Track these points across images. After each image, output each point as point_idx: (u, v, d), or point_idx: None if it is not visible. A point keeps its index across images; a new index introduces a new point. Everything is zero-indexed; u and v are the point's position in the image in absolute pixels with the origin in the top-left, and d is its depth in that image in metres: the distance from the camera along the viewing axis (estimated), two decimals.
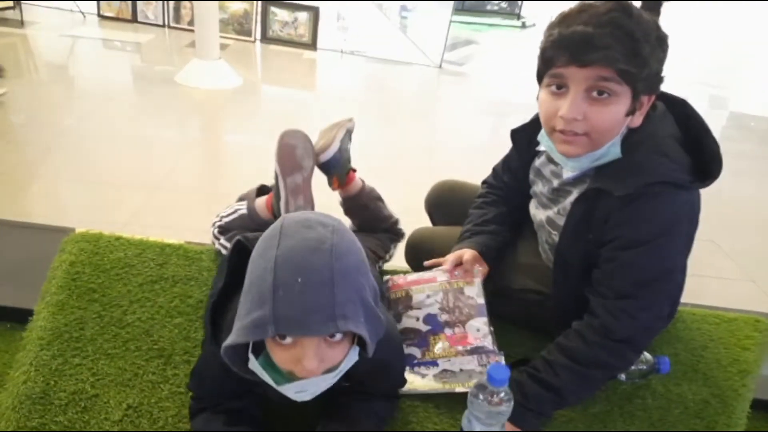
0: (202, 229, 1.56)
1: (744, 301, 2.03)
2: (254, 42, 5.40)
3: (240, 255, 0.88)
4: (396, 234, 1.54)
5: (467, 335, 1.20)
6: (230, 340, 0.75)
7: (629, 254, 1.03)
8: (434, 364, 1.17)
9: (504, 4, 7.61)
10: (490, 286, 1.32)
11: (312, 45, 5.40)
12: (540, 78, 1.05)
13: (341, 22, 5.95)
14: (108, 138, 3.26)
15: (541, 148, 1.19)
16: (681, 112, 1.09)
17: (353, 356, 0.82)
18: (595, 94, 0.97)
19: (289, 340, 0.76)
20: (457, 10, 6.42)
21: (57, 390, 1.08)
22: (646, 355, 1.22)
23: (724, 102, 5.00)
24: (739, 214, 3.13)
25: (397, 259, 1.55)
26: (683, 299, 1.30)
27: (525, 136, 1.23)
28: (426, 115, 4.39)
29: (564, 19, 0.97)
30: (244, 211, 1.36)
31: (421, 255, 1.50)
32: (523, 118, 1.26)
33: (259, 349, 0.82)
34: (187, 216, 2.45)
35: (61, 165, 2.89)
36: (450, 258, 1.30)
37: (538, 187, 1.25)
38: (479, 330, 1.21)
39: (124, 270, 1.37)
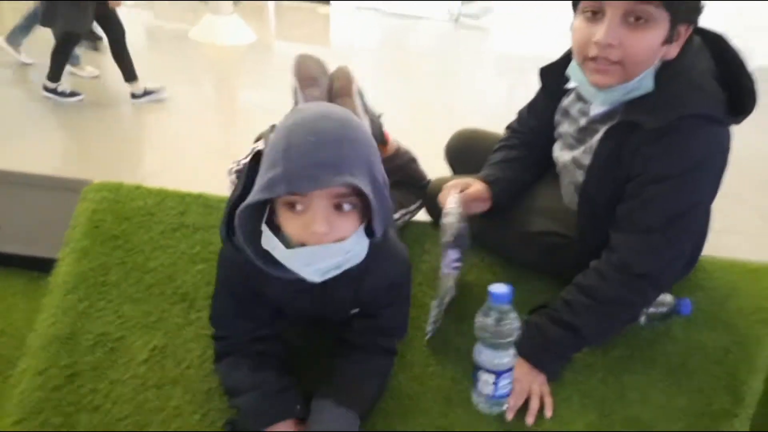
0: (219, 184, 1.56)
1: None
2: None
3: (258, 165, 0.88)
4: (424, 190, 1.53)
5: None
6: (246, 202, 0.78)
7: (656, 188, 1.01)
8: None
9: None
10: (505, 231, 1.30)
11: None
12: (575, 4, 1.01)
13: None
14: (124, 96, 3.25)
15: (571, 84, 1.16)
16: (717, 46, 1.05)
17: (362, 240, 0.84)
18: (632, 19, 0.94)
19: (300, 207, 0.78)
20: None
21: (84, 332, 1.10)
22: (667, 297, 1.20)
23: (751, 54, 4.82)
24: (763, 169, 3.06)
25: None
26: (704, 251, 1.28)
27: (554, 74, 1.19)
28: (442, 72, 4.31)
29: None
30: (262, 145, 1.36)
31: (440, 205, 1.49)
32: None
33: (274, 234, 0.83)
34: (204, 173, 2.45)
35: (77, 124, 2.90)
36: (456, 182, 1.25)
37: (564, 128, 1.22)
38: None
39: (146, 218, 1.38)
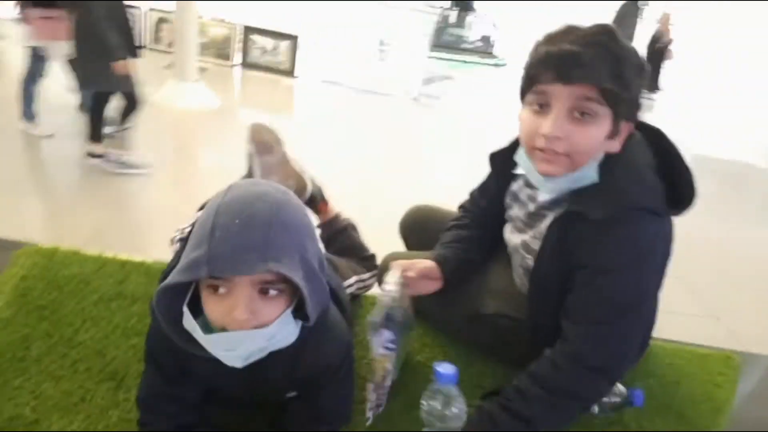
0: (166, 251, 1.50)
1: (709, 338, 2.05)
2: (232, 67, 5.40)
3: None
4: (372, 265, 1.51)
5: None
6: (165, 282, 0.75)
7: (603, 280, 1.02)
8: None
9: (479, 42, 7.84)
10: (457, 312, 1.28)
11: (291, 72, 5.43)
12: (523, 96, 1.05)
13: (321, 52, 6.03)
14: (78, 151, 3.16)
15: (519, 170, 1.18)
16: (656, 141, 1.10)
17: (289, 325, 0.81)
18: (577, 114, 0.97)
19: (222, 290, 0.75)
20: (434, 47, 6.58)
21: None
22: (620, 387, 1.19)
23: (686, 144, 5.18)
24: (701, 253, 3.20)
25: None
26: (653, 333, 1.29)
27: (503, 159, 1.22)
28: (401, 145, 4.42)
29: (550, 39, 0.99)
30: None
31: None
32: (498, 147, 1.26)
33: (198, 315, 0.80)
34: (152, 237, 2.37)
35: (23, 178, 2.79)
36: (401, 263, 1.22)
37: (514, 211, 1.23)
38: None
39: (80, 286, 1.30)
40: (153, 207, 2.75)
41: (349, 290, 1.36)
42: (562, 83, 0.96)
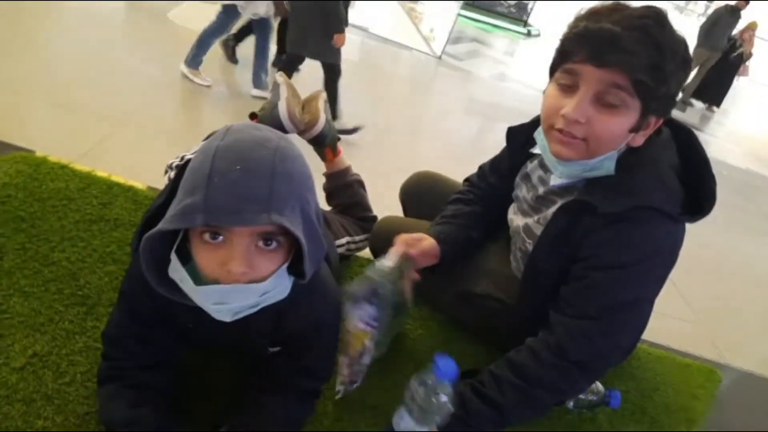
0: (161, 172, 1.45)
1: (693, 345, 2.03)
2: None
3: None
4: (369, 228, 1.46)
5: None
6: (155, 229, 0.68)
7: (601, 276, 0.97)
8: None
9: (513, 8, 7.55)
10: (448, 288, 1.24)
11: None
12: (553, 71, 0.97)
13: None
14: (82, 61, 3.06)
15: (536, 150, 1.12)
16: (685, 141, 1.03)
17: (284, 280, 0.76)
18: (604, 100, 0.90)
19: (219, 239, 0.69)
20: (467, 5, 6.33)
21: None
22: (598, 386, 1.17)
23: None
24: (699, 259, 3.16)
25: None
26: None
27: (521, 137, 1.16)
28: (416, 102, 4.30)
29: (593, 14, 0.90)
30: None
31: (385, 244, 1.42)
32: (510, 124, 1.18)
33: (185, 262, 0.74)
34: (151, 158, 2.29)
35: (27, 81, 2.70)
36: (403, 237, 1.16)
37: (522, 192, 1.17)
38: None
39: (63, 203, 1.25)
40: (153, 127, 2.67)
41: (339, 250, 1.32)
42: (594, 65, 0.88)
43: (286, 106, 1.32)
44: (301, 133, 1.38)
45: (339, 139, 1.46)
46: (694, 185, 0.99)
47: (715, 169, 1.01)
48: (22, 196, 1.22)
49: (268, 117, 1.33)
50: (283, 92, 1.35)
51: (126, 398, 0.84)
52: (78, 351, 0.98)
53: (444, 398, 0.89)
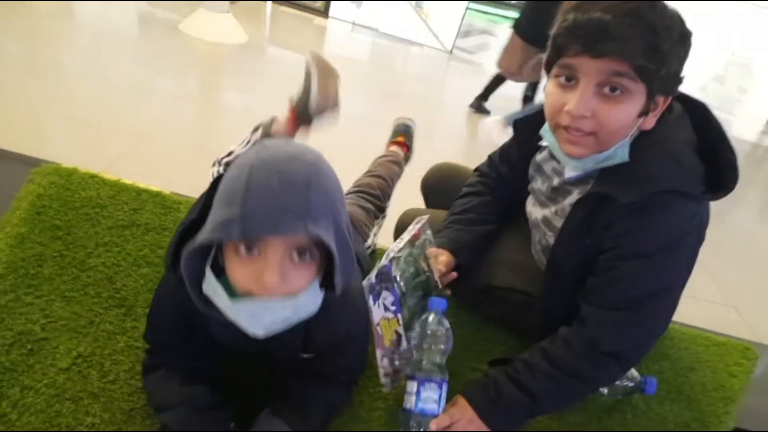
0: (184, 183, 1.48)
1: (725, 326, 2.00)
2: (265, 0, 5.24)
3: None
4: (380, 211, 1.47)
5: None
6: (194, 243, 0.69)
7: (629, 265, 0.95)
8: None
9: None
10: (470, 283, 1.23)
11: (324, 12, 5.26)
12: (549, 67, 0.95)
13: None
14: (101, 77, 3.12)
15: (544, 143, 1.11)
16: (700, 116, 1.00)
17: (316, 294, 0.76)
18: (606, 90, 0.88)
19: (254, 252, 0.70)
20: None
21: (3, 328, 0.99)
22: (633, 372, 1.16)
23: (728, 125, 4.98)
24: (729, 239, 3.11)
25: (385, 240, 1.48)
26: None
27: (529, 128, 1.14)
28: (430, 97, 4.30)
29: (581, 4, 0.88)
30: (259, 135, 1.32)
31: None
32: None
33: (217, 277, 0.75)
34: (170, 168, 2.35)
35: (49, 98, 2.76)
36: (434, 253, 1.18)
37: (537, 184, 1.17)
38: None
39: (95, 210, 1.28)
40: (172, 140, 2.72)
41: (369, 251, 1.34)
42: (589, 57, 0.86)
43: (317, 94, 1.32)
44: None
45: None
46: (713, 160, 0.96)
47: (738, 148, 0.98)
48: (56, 205, 1.25)
49: (303, 107, 1.36)
50: (314, 78, 1.34)
51: (176, 379, 0.88)
52: (120, 351, 1.01)
53: (447, 324, 0.98)
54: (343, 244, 0.72)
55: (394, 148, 1.75)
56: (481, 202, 1.28)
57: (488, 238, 1.27)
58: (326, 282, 0.77)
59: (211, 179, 1.31)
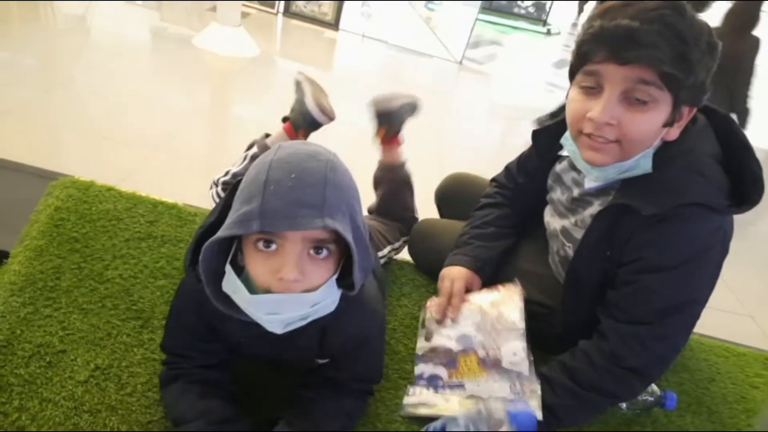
0: (197, 195, 1.49)
1: (745, 336, 1.97)
2: (276, 14, 5.30)
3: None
4: (408, 227, 1.48)
5: (501, 359, 1.06)
6: (214, 237, 0.71)
7: (651, 278, 0.94)
8: (461, 386, 1.05)
9: (531, 9, 7.52)
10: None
11: (334, 25, 5.30)
12: (573, 74, 0.95)
13: (365, 7, 5.87)
14: (115, 92, 3.17)
15: (564, 152, 1.10)
16: (723, 128, 0.99)
17: (334, 292, 0.77)
18: (632, 98, 0.87)
19: (273, 247, 0.72)
20: (484, 9, 6.34)
21: (22, 340, 1.00)
22: (653, 386, 1.15)
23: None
24: (746, 249, 3.07)
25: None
26: None
27: (548, 138, 1.13)
28: (440, 109, 4.31)
29: (607, 11, 0.87)
30: (255, 150, 1.33)
31: (424, 248, 1.43)
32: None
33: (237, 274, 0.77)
34: (184, 181, 2.37)
35: (63, 113, 2.81)
36: (442, 293, 1.19)
37: (557, 194, 1.16)
38: (516, 354, 1.06)
39: (112, 223, 1.29)
40: (185, 153, 2.74)
41: (382, 261, 1.34)
42: (616, 63, 0.85)
43: (312, 99, 1.35)
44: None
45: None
46: (737, 172, 0.95)
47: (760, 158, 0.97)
48: (74, 218, 1.27)
49: (299, 115, 1.37)
50: (307, 88, 1.39)
51: (194, 392, 0.88)
52: (137, 363, 1.01)
53: None
54: (360, 240, 0.74)
55: (395, 152, 1.55)
56: (501, 215, 1.27)
57: (507, 253, 1.27)
58: (343, 282, 0.78)
59: (211, 200, 1.34)
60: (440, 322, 1.15)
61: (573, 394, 0.96)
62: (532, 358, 1.06)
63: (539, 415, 0.96)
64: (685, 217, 0.91)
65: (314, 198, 0.68)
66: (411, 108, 1.49)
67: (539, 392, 1.00)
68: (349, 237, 0.70)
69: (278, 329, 0.77)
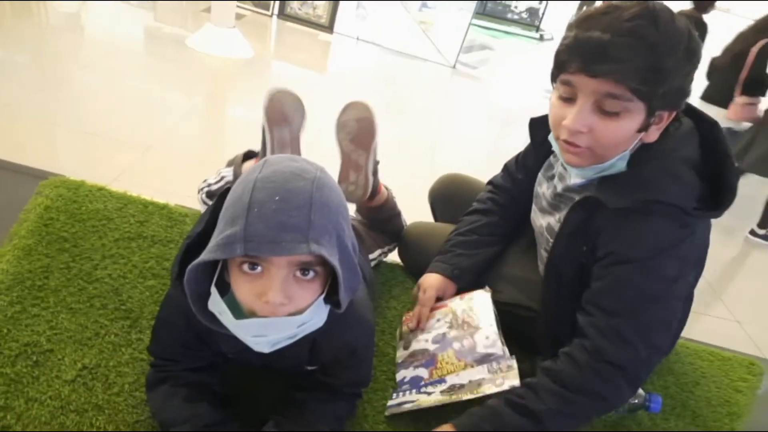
0: (189, 195, 1.49)
1: (729, 341, 1.99)
2: (271, 16, 5.31)
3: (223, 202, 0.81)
4: (396, 237, 1.48)
5: (475, 345, 1.11)
6: (197, 260, 0.70)
7: (620, 270, 0.95)
8: (442, 381, 1.08)
9: (525, 14, 7.57)
10: None
11: (329, 28, 5.31)
12: (553, 81, 0.97)
13: (360, 10, 5.88)
14: (108, 91, 3.16)
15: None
16: (709, 133, 1.01)
17: (321, 310, 0.77)
18: (603, 109, 0.89)
19: (258, 269, 0.70)
20: (478, 14, 6.37)
21: (9, 339, 1.00)
22: (639, 389, 1.15)
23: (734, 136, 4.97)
24: (734, 255, 3.10)
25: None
26: None
27: (543, 130, 1.13)
28: (433, 112, 4.32)
29: (585, 21, 0.89)
30: (230, 177, 1.28)
31: (414, 251, 1.44)
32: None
33: (223, 294, 0.76)
34: (176, 181, 2.36)
35: (55, 111, 2.79)
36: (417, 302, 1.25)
37: (542, 188, 1.18)
38: (488, 338, 1.11)
39: (102, 223, 1.29)
40: (178, 153, 2.74)
41: (372, 263, 1.34)
42: (586, 75, 0.87)
43: (272, 145, 1.25)
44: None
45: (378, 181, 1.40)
46: (714, 179, 0.97)
47: None
48: (63, 218, 1.27)
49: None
50: (269, 140, 1.26)
51: (181, 396, 0.87)
52: (125, 363, 1.02)
53: None
54: (348, 261, 0.73)
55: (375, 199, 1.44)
56: (488, 223, 1.28)
57: (492, 258, 1.28)
58: (331, 298, 0.77)
59: (199, 205, 1.32)
60: (413, 330, 1.19)
61: (559, 398, 0.94)
62: (501, 334, 1.11)
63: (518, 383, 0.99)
64: (650, 213, 0.93)
65: (299, 221, 0.67)
66: (374, 155, 1.38)
67: (515, 368, 1.02)
68: (335, 261, 0.69)
69: (265, 349, 0.76)
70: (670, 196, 0.92)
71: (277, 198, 0.67)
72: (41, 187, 1.35)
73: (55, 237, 1.22)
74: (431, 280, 1.24)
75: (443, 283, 1.23)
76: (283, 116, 1.24)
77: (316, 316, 0.76)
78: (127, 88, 3.25)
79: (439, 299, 1.23)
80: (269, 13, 5.29)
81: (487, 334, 1.11)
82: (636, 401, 1.14)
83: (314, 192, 0.69)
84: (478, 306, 1.17)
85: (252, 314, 0.73)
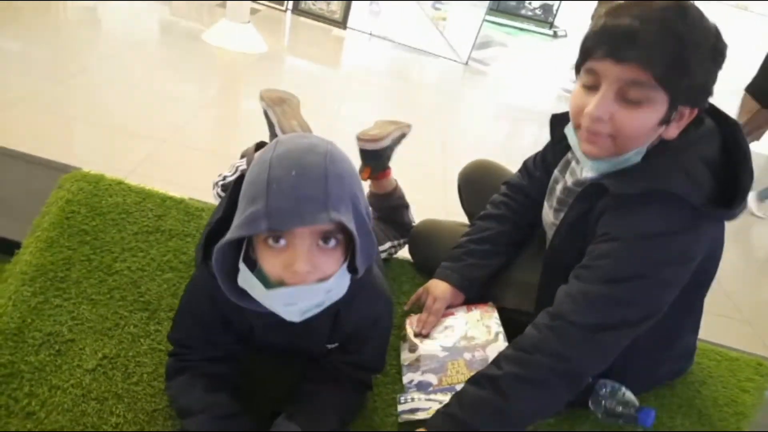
0: (205, 188, 1.52)
1: (737, 341, 1.99)
2: (285, 11, 5.33)
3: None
4: (407, 232, 1.51)
5: (488, 358, 1.10)
6: (224, 239, 0.74)
7: (606, 246, 0.94)
8: (452, 389, 1.07)
9: (539, 11, 7.52)
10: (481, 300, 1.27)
11: (342, 23, 5.32)
12: (578, 70, 0.97)
13: (374, 6, 5.89)
14: (125, 85, 3.21)
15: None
16: (730, 135, 0.99)
17: (344, 277, 0.80)
18: (626, 96, 0.89)
19: (282, 242, 0.74)
20: (491, 10, 6.35)
21: (32, 329, 1.03)
22: (631, 397, 1.13)
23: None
24: (743, 254, 3.08)
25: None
26: None
27: (563, 125, 1.10)
28: (445, 109, 4.33)
29: (615, 9, 0.90)
30: (244, 166, 1.32)
31: (424, 248, 1.46)
32: (541, 127, 1.19)
33: (251, 269, 0.80)
34: (191, 174, 2.41)
35: (73, 104, 2.85)
36: (424, 309, 1.26)
37: (557, 185, 1.17)
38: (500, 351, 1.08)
39: (121, 216, 1.33)
40: (193, 146, 2.78)
41: (383, 255, 1.37)
42: (612, 61, 0.88)
43: (283, 129, 1.38)
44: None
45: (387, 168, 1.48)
46: (730, 181, 0.96)
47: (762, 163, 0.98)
48: (84, 211, 1.30)
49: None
50: (274, 117, 1.41)
51: (199, 385, 0.90)
52: (143, 353, 1.05)
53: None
54: (364, 228, 0.76)
55: (376, 186, 1.52)
56: (501, 232, 1.28)
57: (501, 267, 1.29)
58: (349, 268, 0.81)
59: (214, 200, 1.37)
60: (418, 335, 1.21)
61: (515, 361, 0.92)
62: None
63: None
64: (652, 200, 0.92)
65: (317, 192, 0.70)
66: (400, 139, 1.49)
67: None
68: (352, 227, 0.72)
69: (296, 318, 0.80)
70: (674, 187, 0.91)
71: (293, 173, 0.71)
72: (62, 181, 1.38)
73: (76, 230, 1.25)
74: (441, 290, 1.25)
75: (452, 294, 1.25)
76: (279, 98, 1.41)
77: (341, 282, 0.80)
78: (143, 81, 3.30)
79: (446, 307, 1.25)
80: (283, 8, 5.32)
81: (499, 349, 1.09)
82: (628, 410, 1.12)
83: (328, 164, 0.73)
84: (488, 320, 1.18)
85: (281, 285, 0.76)
